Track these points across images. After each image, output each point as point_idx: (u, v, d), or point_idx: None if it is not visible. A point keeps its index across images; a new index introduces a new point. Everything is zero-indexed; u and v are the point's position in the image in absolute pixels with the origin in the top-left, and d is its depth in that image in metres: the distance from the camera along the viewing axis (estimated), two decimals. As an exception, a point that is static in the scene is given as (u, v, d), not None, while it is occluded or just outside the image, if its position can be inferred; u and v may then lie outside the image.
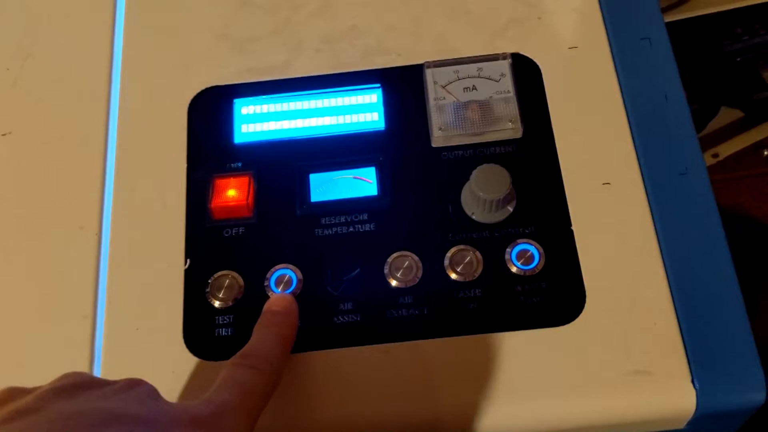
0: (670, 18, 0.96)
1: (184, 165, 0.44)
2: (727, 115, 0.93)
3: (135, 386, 0.30)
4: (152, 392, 0.31)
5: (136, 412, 0.28)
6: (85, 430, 0.26)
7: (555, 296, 0.39)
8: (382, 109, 0.45)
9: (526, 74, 0.45)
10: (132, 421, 0.27)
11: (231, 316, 0.40)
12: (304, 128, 0.44)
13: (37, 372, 0.33)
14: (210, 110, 0.45)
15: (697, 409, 0.37)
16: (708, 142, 0.91)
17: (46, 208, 0.44)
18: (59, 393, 0.28)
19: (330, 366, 0.39)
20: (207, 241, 0.42)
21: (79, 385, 0.29)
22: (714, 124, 0.93)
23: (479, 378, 0.38)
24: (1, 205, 0.44)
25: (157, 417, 0.28)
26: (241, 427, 0.31)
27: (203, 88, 0.46)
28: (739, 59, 0.92)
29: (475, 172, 0.40)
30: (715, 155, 0.89)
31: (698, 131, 0.92)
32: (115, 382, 0.30)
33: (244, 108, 0.45)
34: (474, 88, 0.44)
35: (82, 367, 0.40)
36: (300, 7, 0.48)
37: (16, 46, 0.49)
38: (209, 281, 0.41)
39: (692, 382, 0.37)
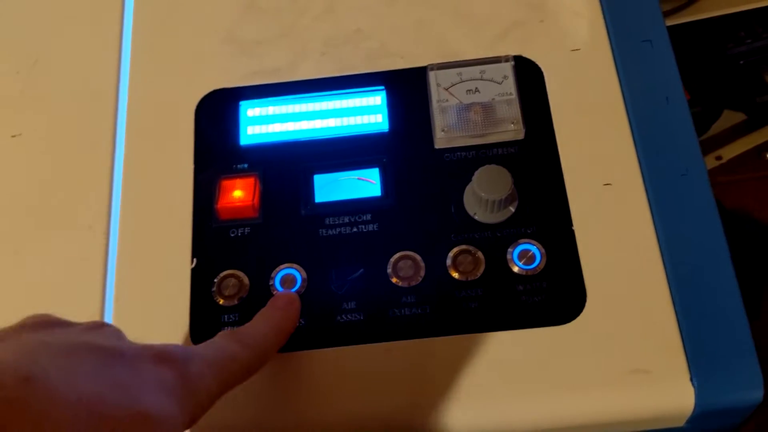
0: (673, 21, 0.96)
1: (191, 166, 0.44)
2: (730, 118, 0.93)
3: (102, 326, 0.31)
4: (118, 332, 0.31)
5: (101, 343, 0.28)
6: (49, 358, 0.26)
7: (556, 296, 0.40)
8: (385, 111, 0.45)
9: (528, 76, 0.45)
10: (96, 350, 0.28)
11: (237, 315, 0.41)
12: (309, 130, 0.45)
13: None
14: (217, 112, 0.46)
15: (695, 406, 0.37)
16: (711, 145, 0.91)
17: (55, 208, 0.44)
18: (26, 327, 0.29)
19: (333, 363, 0.39)
20: (213, 241, 0.42)
21: (46, 322, 0.30)
22: (717, 127, 0.93)
23: (481, 376, 0.38)
24: (10, 205, 0.45)
25: (122, 349, 0.28)
26: (208, 381, 0.30)
27: (210, 90, 0.47)
28: (742, 62, 0.92)
29: (477, 172, 0.40)
30: (719, 158, 0.90)
31: (701, 134, 0.92)
32: (81, 324, 0.31)
33: (250, 110, 0.46)
34: (477, 90, 0.44)
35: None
36: (305, 11, 0.49)
37: (26, 50, 0.49)
38: (215, 280, 0.41)
39: (691, 380, 0.37)
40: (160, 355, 0.29)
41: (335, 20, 0.48)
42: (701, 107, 0.92)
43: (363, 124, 0.45)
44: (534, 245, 0.41)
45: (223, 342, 0.33)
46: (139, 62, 0.48)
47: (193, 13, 0.49)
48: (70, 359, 0.27)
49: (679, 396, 0.37)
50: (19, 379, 0.24)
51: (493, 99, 0.44)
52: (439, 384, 0.39)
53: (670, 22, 0.95)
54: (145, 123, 0.46)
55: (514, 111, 0.44)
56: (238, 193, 0.43)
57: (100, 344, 0.28)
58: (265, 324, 0.37)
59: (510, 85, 0.44)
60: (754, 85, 0.92)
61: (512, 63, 0.45)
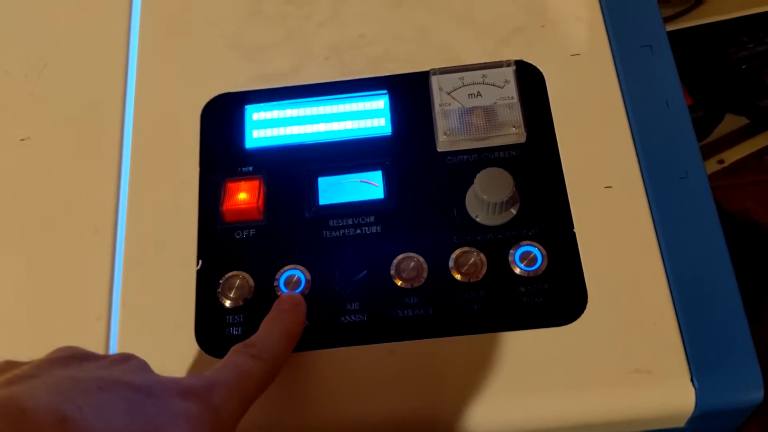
0: (676, 26, 0.97)
1: (197, 169, 0.45)
2: (732, 122, 0.94)
3: (128, 359, 0.31)
4: (144, 365, 0.32)
5: (130, 380, 0.29)
6: (80, 394, 0.27)
7: (557, 297, 0.40)
8: (388, 114, 0.46)
9: (529, 81, 0.46)
10: (126, 387, 0.28)
11: (241, 316, 0.41)
12: (313, 133, 0.46)
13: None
14: (222, 116, 0.46)
15: (696, 407, 0.37)
16: (713, 149, 0.91)
17: (62, 210, 0.45)
18: (55, 362, 0.30)
19: (337, 364, 0.40)
20: (218, 242, 0.43)
21: (74, 356, 0.31)
22: (719, 131, 0.93)
23: (483, 376, 0.39)
24: (18, 207, 0.45)
25: (150, 385, 0.29)
26: (232, 406, 0.31)
27: (216, 94, 0.47)
28: (744, 67, 0.92)
29: (478, 175, 0.41)
30: (721, 161, 0.90)
31: (704, 138, 0.93)
32: (108, 356, 0.32)
33: (255, 114, 0.46)
34: (479, 94, 0.45)
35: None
36: (310, 17, 0.49)
37: (35, 55, 0.50)
38: (220, 282, 0.42)
39: (691, 380, 0.38)
40: (186, 391, 0.30)
41: (339, 26, 0.49)
42: (704, 111, 0.92)
43: (366, 128, 0.45)
44: (535, 247, 0.41)
45: (238, 360, 0.34)
46: (145, 67, 0.49)
47: (199, 19, 0.50)
48: (102, 396, 0.27)
49: (679, 396, 0.38)
50: (56, 420, 0.25)
51: (494, 103, 0.45)
52: (442, 385, 0.39)
53: (672, 27, 0.96)
54: (151, 126, 0.47)
55: (516, 115, 0.44)
56: (243, 195, 0.44)
57: (129, 381, 0.29)
58: (274, 331, 0.37)
59: (512, 89, 0.45)
60: (756, 90, 0.93)
61: (514, 67, 0.46)
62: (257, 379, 0.34)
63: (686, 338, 0.38)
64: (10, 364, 0.30)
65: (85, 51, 0.50)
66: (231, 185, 0.44)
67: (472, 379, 0.39)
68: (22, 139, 0.47)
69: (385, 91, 0.46)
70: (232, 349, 0.35)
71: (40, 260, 0.44)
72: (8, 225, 0.45)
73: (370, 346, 0.40)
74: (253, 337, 0.36)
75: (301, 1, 0.50)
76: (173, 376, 0.33)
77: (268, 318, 0.38)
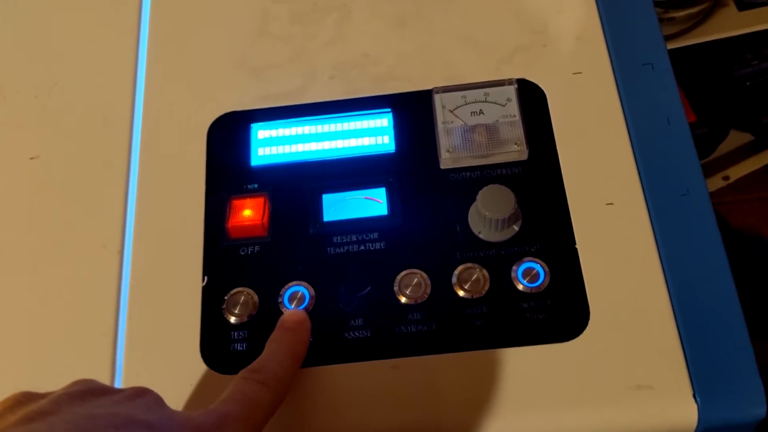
0: (680, 44, 0.97)
1: (203, 186, 0.46)
2: (736, 139, 0.94)
3: (143, 394, 0.32)
4: (158, 400, 0.32)
5: (145, 418, 0.30)
6: None
7: (560, 313, 0.40)
8: (392, 132, 0.46)
9: (531, 99, 0.46)
10: (141, 425, 0.29)
11: (246, 332, 0.42)
12: (317, 151, 0.46)
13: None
14: (228, 134, 0.47)
15: (698, 423, 0.37)
16: (718, 165, 0.92)
17: (70, 227, 0.45)
18: (73, 398, 0.30)
19: (341, 380, 0.40)
20: (224, 259, 0.43)
21: (91, 391, 0.31)
22: (724, 148, 0.93)
23: (486, 392, 0.39)
24: (28, 224, 0.46)
25: (164, 422, 0.30)
26: None
27: (222, 113, 0.48)
28: (748, 83, 0.93)
29: (481, 192, 0.41)
30: (726, 178, 0.90)
31: (708, 154, 0.93)
32: (123, 390, 0.32)
33: (261, 132, 0.47)
34: (481, 112, 0.45)
35: (103, 382, 0.41)
36: (314, 37, 0.50)
37: (43, 75, 0.51)
38: (226, 298, 0.42)
39: (694, 396, 0.38)
40: (198, 428, 0.30)
41: (343, 46, 0.50)
42: (708, 128, 0.93)
43: (370, 145, 0.46)
44: (538, 263, 0.42)
45: (245, 388, 0.34)
46: (153, 86, 0.49)
47: (206, 39, 0.51)
48: None
49: (681, 413, 0.38)
50: None
51: (497, 120, 0.45)
52: (446, 400, 0.39)
53: (676, 45, 0.97)
54: (158, 144, 0.47)
55: (518, 132, 0.45)
56: (248, 212, 0.44)
57: (144, 419, 0.30)
58: (279, 353, 0.38)
59: (513, 107, 0.45)
60: (760, 106, 0.93)
61: (515, 86, 0.46)
62: (265, 408, 0.34)
63: (688, 354, 0.38)
64: (28, 396, 0.30)
65: (94, 70, 0.51)
66: (236, 202, 0.45)
67: (475, 395, 0.39)
68: (31, 158, 0.48)
69: (389, 110, 0.47)
70: (239, 376, 0.36)
71: (47, 276, 0.44)
72: (17, 241, 0.46)
73: (374, 362, 0.40)
74: (259, 362, 0.37)
75: (307, 21, 0.51)
76: (183, 411, 0.33)
77: (272, 338, 0.39)
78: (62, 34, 0.53)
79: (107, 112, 0.49)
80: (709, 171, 0.91)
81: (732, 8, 1.01)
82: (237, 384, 0.35)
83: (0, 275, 0.45)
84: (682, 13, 0.98)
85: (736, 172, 0.91)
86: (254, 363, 0.37)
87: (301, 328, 0.39)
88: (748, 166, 0.92)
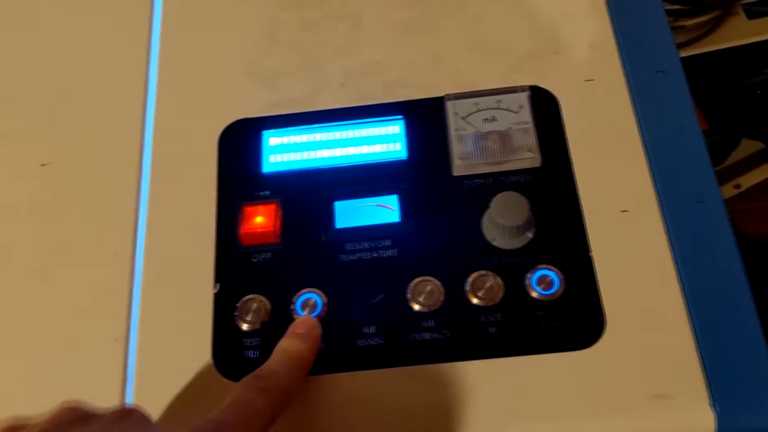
0: (691, 52, 0.97)
1: (215, 193, 0.45)
2: (748, 147, 0.94)
3: (129, 415, 0.31)
4: (145, 419, 0.32)
5: None
6: None
7: (575, 321, 0.40)
8: (404, 139, 0.46)
9: (544, 106, 0.46)
10: None
11: (258, 339, 0.41)
12: (329, 158, 0.46)
13: (71, 395, 0.34)
14: (239, 141, 0.47)
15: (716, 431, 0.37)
16: (730, 174, 0.91)
17: (82, 234, 0.45)
18: (61, 426, 0.30)
19: (354, 388, 0.40)
20: (236, 266, 0.43)
21: (79, 417, 0.31)
22: (735, 156, 0.93)
23: (500, 400, 0.39)
24: (39, 231, 0.46)
25: None
26: None
27: (233, 120, 0.48)
28: (759, 92, 0.93)
29: (494, 199, 0.41)
30: (737, 186, 0.90)
31: (720, 163, 0.93)
32: (109, 413, 0.32)
33: (272, 139, 0.47)
34: (494, 119, 0.45)
35: (115, 390, 0.41)
36: (326, 45, 0.50)
37: (55, 82, 0.51)
38: (237, 305, 0.42)
39: (712, 405, 0.37)
40: None
41: (354, 53, 0.50)
42: (719, 136, 0.92)
43: (382, 152, 0.46)
44: (552, 271, 0.41)
45: (247, 394, 0.34)
46: (164, 93, 0.49)
47: (217, 47, 0.51)
48: None
49: (699, 422, 0.37)
50: None
51: (510, 127, 0.45)
52: (459, 409, 0.39)
53: (688, 53, 0.96)
54: (170, 151, 0.47)
55: (531, 139, 0.44)
56: (260, 219, 0.44)
57: None
58: (286, 361, 0.37)
59: (526, 114, 0.45)
60: (772, 115, 0.93)
61: (528, 93, 0.46)
62: (266, 418, 0.33)
63: (706, 362, 0.38)
64: (15, 423, 0.30)
65: (106, 77, 0.51)
66: (248, 209, 0.44)
67: (489, 403, 0.39)
68: (42, 165, 0.48)
69: (401, 117, 0.47)
70: (243, 381, 0.35)
71: (59, 282, 0.44)
72: (29, 247, 0.46)
73: (387, 369, 0.40)
74: (265, 368, 0.36)
75: (317, 29, 0.51)
76: (177, 417, 0.33)
77: (282, 345, 0.38)
78: (74, 41, 0.53)
79: (119, 119, 0.49)
80: (720, 179, 0.90)
81: (742, 17, 1.00)
82: (239, 390, 0.34)
83: (12, 281, 0.45)
84: (692, 22, 0.98)
85: (748, 180, 0.91)
86: (260, 369, 0.36)
87: (311, 335, 0.39)
88: (759, 174, 0.91)
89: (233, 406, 0.33)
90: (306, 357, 0.38)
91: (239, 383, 0.35)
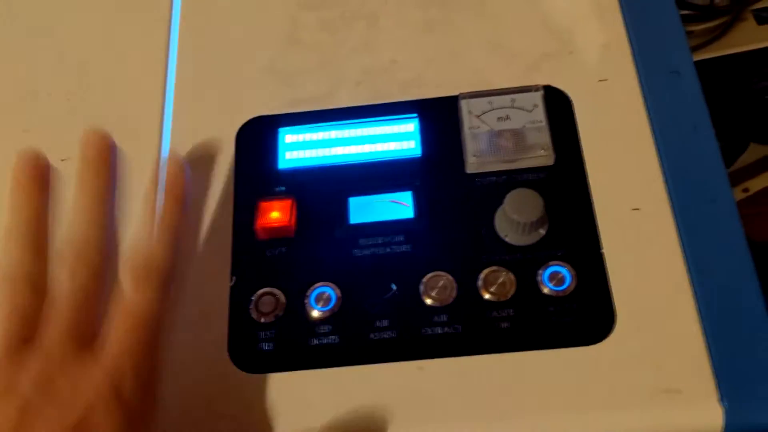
0: (699, 57, 0.98)
1: (232, 189, 0.46)
2: (756, 151, 0.94)
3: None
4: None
5: None
6: None
7: (586, 316, 0.41)
8: (418, 137, 0.47)
9: (557, 105, 0.47)
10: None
11: (273, 331, 0.42)
12: (344, 155, 0.47)
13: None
14: (256, 138, 0.48)
15: (725, 427, 0.37)
16: (738, 178, 0.92)
17: (100, 228, 0.46)
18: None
19: (366, 381, 0.40)
20: (252, 259, 0.44)
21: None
22: (743, 160, 0.93)
23: (511, 394, 0.39)
24: (60, 225, 0.47)
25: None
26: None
27: (250, 117, 0.49)
28: (767, 97, 0.93)
29: (509, 195, 0.41)
30: (746, 190, 0.90)
31: (728, 166, 0.93)
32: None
33: (289, 136, 0.48)
34: (508, 117, 0.46)
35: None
36: (343, 44, 0.51)
37: (75, 77, 0.52)
38: (253, 298, 0.43)
39: (720, 400, 0.38)
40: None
41: (371, 52, 0.50)
42: (728, 141, 0.93)
43: (397, 150, 0.47)
44: (564, 267, 0.42)
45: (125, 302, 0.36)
46: (183, 90, 0.50)
47: (236, 45, 0.52)
48: None
49: (708, 417, 0.38)
50: None
51: (523, 126, 0.45)
52: (471, 402, 0.39)
53: (696, 58, 0.97)
54: (188, 147, 0.48)
55: (544, 138, 0.45)
56: (276, 214, 0.45)
57: None
58: (164, 237, 0.39)
59: (540, 113, 0.46)
60: (780, 119, 0.93)
61: (542, 92, 0.47)
62: (152, 318, 0.37)
63: (715, 358, 0.38)
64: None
65: (125, 74, 0.52)
66: (264, 204, 0.45)
67: (500, 397, 0.39)
68: (62, 159, 0.49)
69: (416, 115, 0.47)
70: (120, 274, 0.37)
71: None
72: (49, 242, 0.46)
73: (400, 363, 0.41)
74: (140, 250, 0.38)
75: (335, 28, 0.51)
76: None
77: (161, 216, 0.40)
78: (94, 38, 0.54)
79: (137, 115, 0.50)
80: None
81: (751, 22, 1.01)
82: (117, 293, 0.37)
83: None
84: (701, 27, 0.98)
85: (756, 184, 0.91)
86: (134, 251, 0.38)
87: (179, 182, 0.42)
88: (767, 178, 0.92)
89: (119, 331, 0.37)
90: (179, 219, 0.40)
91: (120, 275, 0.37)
